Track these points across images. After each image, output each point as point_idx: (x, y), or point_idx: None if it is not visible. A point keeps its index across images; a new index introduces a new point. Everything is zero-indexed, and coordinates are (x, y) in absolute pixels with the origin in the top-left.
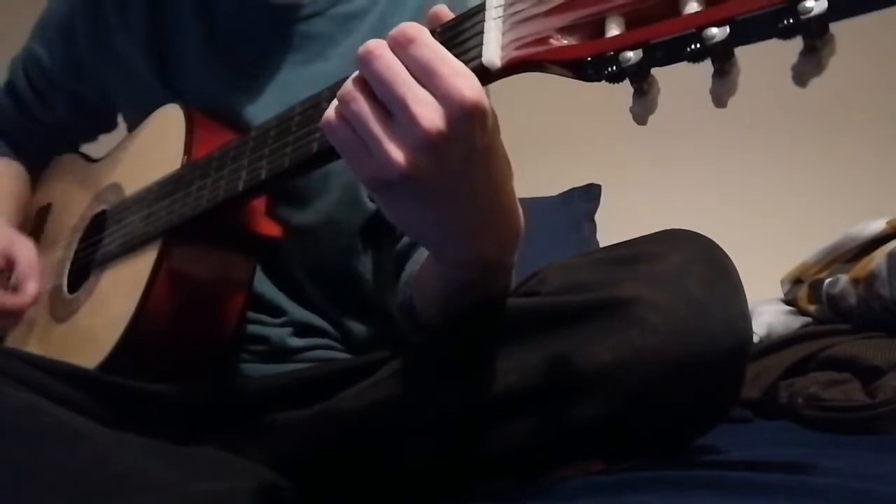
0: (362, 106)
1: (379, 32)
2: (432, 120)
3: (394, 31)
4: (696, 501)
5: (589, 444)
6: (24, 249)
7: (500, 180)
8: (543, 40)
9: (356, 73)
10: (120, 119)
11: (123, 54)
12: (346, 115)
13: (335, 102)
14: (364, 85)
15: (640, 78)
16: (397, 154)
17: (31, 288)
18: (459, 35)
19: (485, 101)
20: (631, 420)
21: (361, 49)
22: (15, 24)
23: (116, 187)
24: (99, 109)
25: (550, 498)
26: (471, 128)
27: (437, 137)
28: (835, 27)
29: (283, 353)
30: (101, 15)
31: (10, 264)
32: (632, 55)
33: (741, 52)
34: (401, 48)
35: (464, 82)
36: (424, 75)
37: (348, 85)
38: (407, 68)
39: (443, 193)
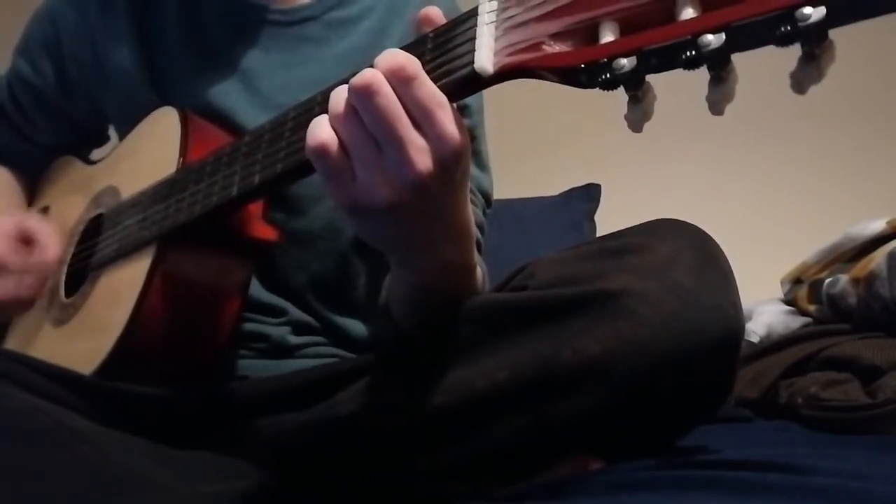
0: (355, 134)
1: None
2: (426, 164)
3: (391, 63)
4: (695, 501)
5: (581, 438)
6: (41, 223)
7: (464, 197)
8: (536, 46)
9: (346, 96)
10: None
11: (112, 66)
12: (340, 136)
13: (322, 126)
14: (355, 113)
15: (634, 85)
16: (384, 188)
17: (52, 252)
18: (451, 41)
19: (467, 138)
20: (622, 413)
21: (358, 81)
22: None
23: (113, 190)
24: (88, 126)
25: (549, 497)
26: (456, 166)
27: (427, 179)
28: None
29: (282, 351)
30: (85, 29)
31: (27, 239)
32: (626, 62)
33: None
34: (402, 85)
35: (456, 125)
36: (423, 117)
37: (339, 107)
38: (404, 105)
39: (417, 217)
